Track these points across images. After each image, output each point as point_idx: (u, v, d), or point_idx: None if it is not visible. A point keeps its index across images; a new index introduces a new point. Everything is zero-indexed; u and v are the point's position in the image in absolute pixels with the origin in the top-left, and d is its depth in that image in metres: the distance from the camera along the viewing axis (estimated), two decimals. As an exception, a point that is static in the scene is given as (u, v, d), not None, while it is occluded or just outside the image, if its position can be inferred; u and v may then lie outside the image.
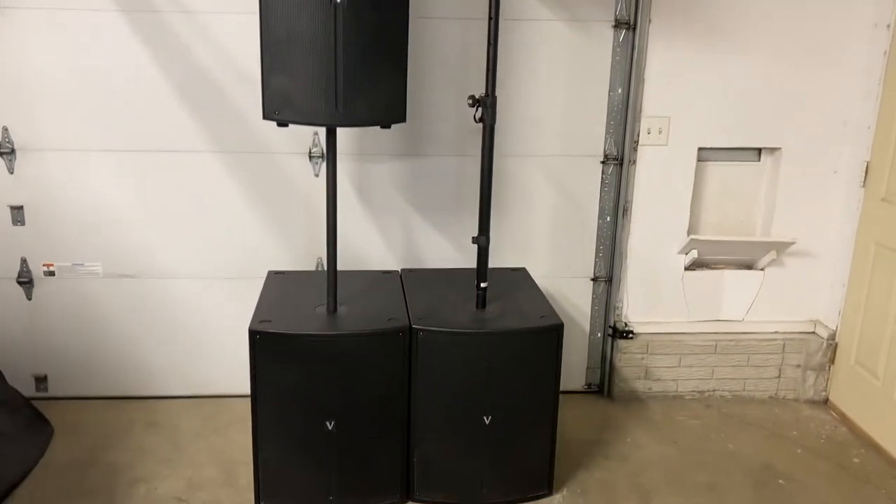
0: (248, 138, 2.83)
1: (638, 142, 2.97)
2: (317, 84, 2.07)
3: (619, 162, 3.02)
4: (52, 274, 2.93)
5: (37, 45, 2.70)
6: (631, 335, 3.17)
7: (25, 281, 2.92)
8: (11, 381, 2.87)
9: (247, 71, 2.74)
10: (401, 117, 2.22)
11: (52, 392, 3.05)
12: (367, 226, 2.99)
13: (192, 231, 2.93)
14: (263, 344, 2.26)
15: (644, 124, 2.96)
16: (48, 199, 2.85)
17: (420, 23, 2.77)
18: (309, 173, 2.91)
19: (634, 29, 2.87)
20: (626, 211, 3.05)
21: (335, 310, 2.42)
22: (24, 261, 2.90)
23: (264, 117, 2.13)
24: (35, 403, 2.90)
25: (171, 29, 2.73)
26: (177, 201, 2.89)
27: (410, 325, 2.33)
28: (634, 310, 3.18)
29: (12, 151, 2.79)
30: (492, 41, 2.28)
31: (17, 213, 2.85)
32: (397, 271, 2.86)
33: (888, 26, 2.80)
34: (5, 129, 2.77)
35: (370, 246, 3.01)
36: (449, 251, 3.04)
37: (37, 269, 2.92)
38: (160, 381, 3.07)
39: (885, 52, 2.82)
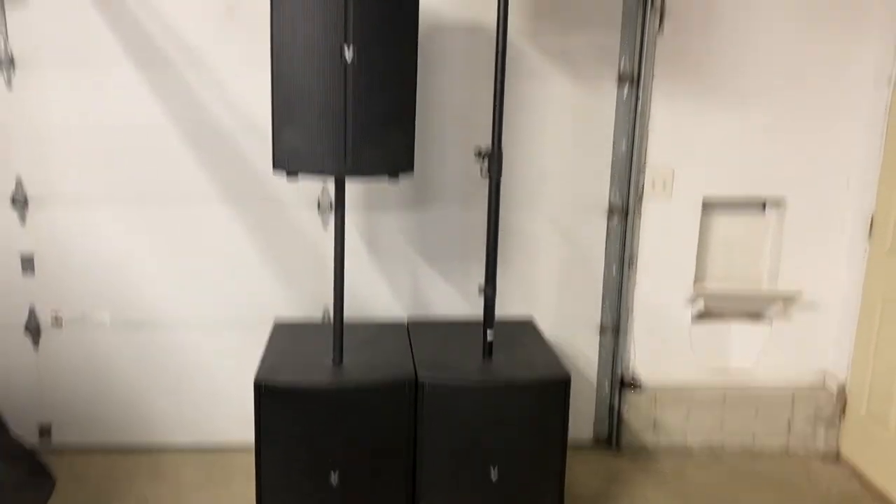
0: (258, 189, 2.87)
1: (643, 194, 3.00)
2: (326, 137, 2.11)
3: (624, 213, 3.04)
4: (59, 323, 2.94)
5: (53, 99, 2.76)
6: (639, 386, 3.15)
7: (33, 330, 2.93)
8: (17, 429, 2.84)
9: (258, 123, 2.80)
10: (408, 169, 2.26)
11: (56, 441, 3.03)
12: (373, 275, 3.01)
13: (200, 281, 2.95)
14: (268, 396, 2.26)
15: (648, 176, 2.99)
16: (58, 249, 2.88)
17: (429, 77, 2.83)
18: (317, 224, 2.94)
19: (638, 84, 2.92)
20: (632, 262, 3.06)
21: (341, 361, 2.42)
22: (32, 310, 2.92)
23: (274, 168, 2.16)
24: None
25: (186, 83, 2.79)
26: (185, 251, 2.92)
27: (416, 376, 2.33)
28: (642, 360, 3.16)
29: (25, 201, 2.83)
30: (498, 97, 2.33)
31: (28, 263, 2.88)
32: (404, 320, 2.87)
33: (889, 81, 2.85)
34: (19, 180, 2.81)
35: (377, 294, 3.02)
36: (455, 300, 3.04)
37: (44, 318, 2.93)
38: (165, 430, 3.06)
39: (887, 107, 2.86)
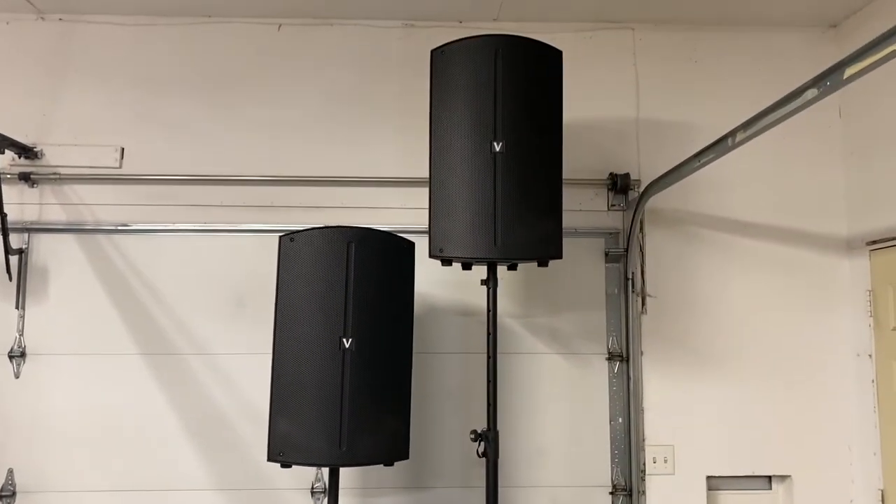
0: (252, 474, 2.83)
1: (645, 471, 2.94)
2: (321, 425, 2.13)
3: (627, 492, 2.96)
4: None
5: (56, 387, 2.83)
6: None
7: None
8: None
9: (258, 412, 2.83)
10: (404, 455, 2.25)
11: None
12: (368, 567, 2.84)
13: (184, 577, 2.78)
14: None
15: (649, 453, 2.96)
16: (39, 545, 2.76)
17: (423, 357, 2.92)
18: (311, 510, 2.85)
19: (628, 361, 3.01)
20: (641, 546, 2.91)
21: None
22: None
23: (269, 459, 2.16)
24: None
25: (188, 370, 2.88)
26: (172, 544, 2.79)
27: None
28: None
29: (13, 494, 2.76)
30: (491, 378, 2.39)
31: (4, 561, 2.73)
32: None
33: (870, 356, 2.94)
34: (10, 472, 2.78)
35: (372, 591, 2.83)
36: None
37: None
38: None
39: (873, 381, 2.92)
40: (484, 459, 2.37)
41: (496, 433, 2.37)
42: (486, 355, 2.42)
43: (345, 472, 2.81)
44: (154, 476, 2.81)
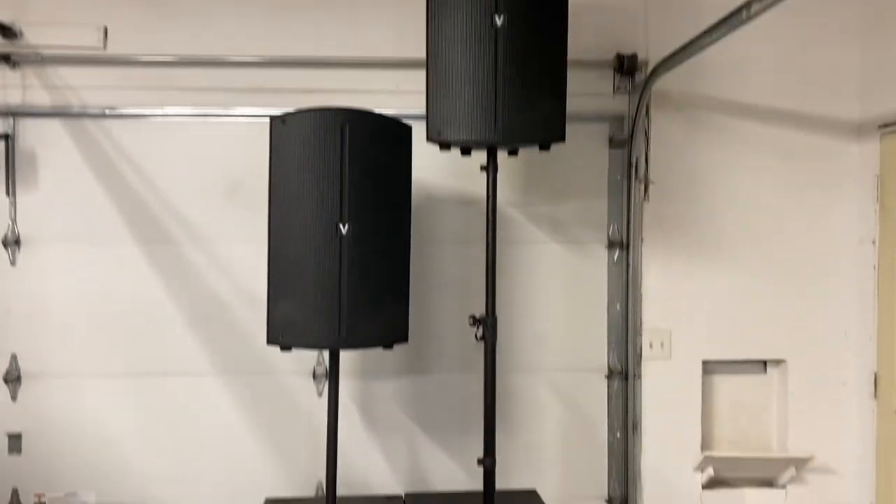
0: (252, 359, 2.86)
1: (641, 356, 2.98)
2: (320, 309, 2.13)
3: (624, 376, 3.00)
4: (42, 505, 2.82)
5: (54, 274, 2.82)
6: (651, 563, 2.96)
7: (14, 514, 2.81)
8: None
9: (255, 295, 2.82)
10: (403, 338, 2.26)
11: None
12: (369, 446, 2.92)
13: (190, 458, 2.86)
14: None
15: (646, 338, 2.98)
16: (47, 427, 2.82)
17: (421, 247, 2.89)
18: (312, 392, 2.90)
19: (628, 248, 2.98)
20: (636, 427, 2.98)
21: (334, 542, 2.30)
22: (15, 492, 2.81)
23: (268, 342, 2.16)
24: None
25: (186, 257, 2.86)
26: (175, 426, 2.85)
27: (414, 559, 2.20)
28: (653, 534, 3.00)
29: (18, 378, 2.80)
30: (489, 265, 2.37)
31: (14, 442, 2.80)
32: (401, 496, 2.75)
33: (873, 242, 2.91)
34: (14, 357, 2.80)
35: (373, 466, 2.91)
36: (455, 472, 2.93)
37: (27, 500, 2.81)
38: None
39: (875, 267, 2.91)
40: (482, 344, 2.39)
41: (495, 318, 2.38)
42: (484, 244, 2.39)
43: (344, 357, 2.84)
44: (154, 361, 2.85)
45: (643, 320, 2.98)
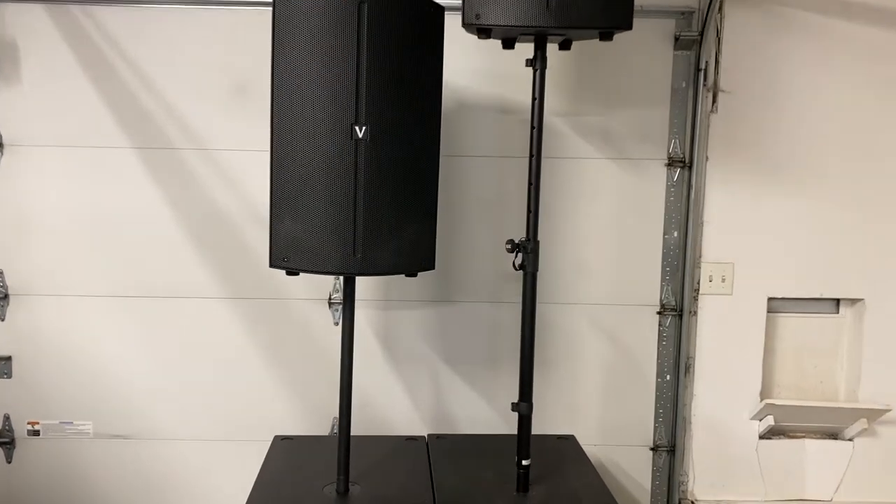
0: (262, 283, 2.56)
1: (699, 290, 2.63)
2: (332, 228, 1.79)
3: (678, 313, 2.66)
4: (36, 433, 2.60)
5: (42, 182, 2.52)
6: (699, 517, 2.68)
7: (6, 441, 2.59)
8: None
9: (263, 209, 2.50)
10: (429, 265, 1.93)
11: (26, 572, 2.64)
12: (391, 382, 2.64)
13: (195, 387, 2.61)
14: (257, 537, 1.87)
15: (705, 271, 2.63)
16: (39, 350, 2.57)
17: (454, 161, 2.55)
18: (328, 321, 2.61)
19: (690, 167, 2.60)
20: (688, 369, 2.66)
21: (346, 490, 2.03)
22: (6, 418, 2.59)
23: (271, 265, 1.85)
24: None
25: (185, 165, 2.54)
26: (179, 353, 2.60)
27: (436, 514, 1.93)
28: (702, 485, 2.71)
29: (5, 297, 2.55)
30: (533, 181, 2.01)
31: (4, 365, 2.57)
32: (424, 437, 2.48)
33: (983, 164, 2.49)
34: (0, 273, 2.54)
35: (395, 405, 2.64)
36: (484, 413, 2.65)
37: (20, 429, 2.60)
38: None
39: (984, 194, 2.49)
40: (519, 273, 2.05)
41: (536, 243, 2.03)
42: (525, 158, 2.03)
43: (365, 283, 2.55)
44: (154, 281, 2.57)
45: (703, 250, 2.62)
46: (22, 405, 2.59)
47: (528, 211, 2.03)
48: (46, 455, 2.61)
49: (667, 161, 2.61)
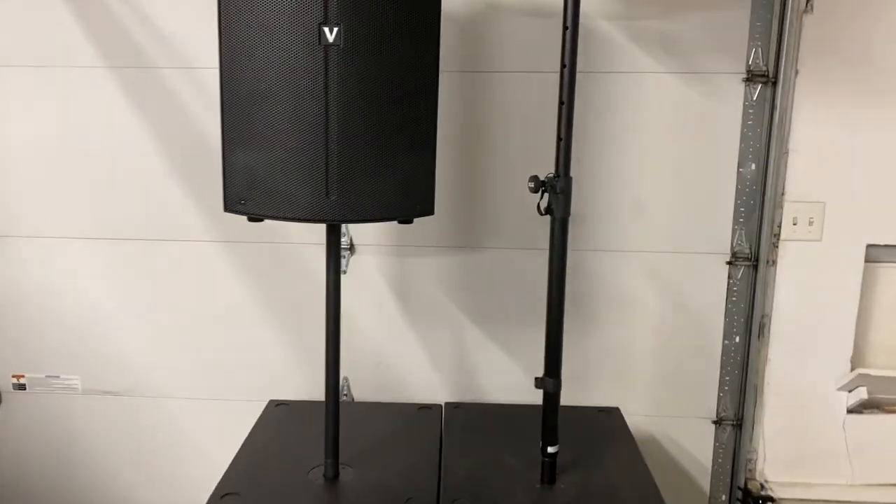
0: (258, 225, 2.20)
1: (779, 235, 2.16)
2: (298, 162, 1.40)
3: (752, 263, 2.20)
4: (22, 387, 2.38)
5: (12, 109, 2.21)
6: (770, 502, 2.27)
7: (-9, 394, 2.39)
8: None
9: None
10: (426, 209, 1.53)
11: (20, 531, 2.47)
12: (407, 340, 2.28)
13: (189, 341, 2.32)
14: (222, 531, 1.57)
15: (788, 212, 2.15)
16: (20, 297, 2.32)
17: (480, 78, 2.11)
18: (335, 270, 2.25)
19: (775, 83, 2.09)
20: (762, 329, 2.21)
21: (335, 474, 1.71)
22: (-10, 370, 2.38)
23: (226, 209, 1.48)
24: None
25: (173, 89, 2.18)
26: (171, 303, 2.30)
27: (438, 511, 1.58)
28: (775, 465, 2.29)
29: (-20, 237, 2.29)
30: (565, 99, 1.56)
31: (-16, 313, 2.33)
32: (440, 406, 2.13)
33: None
34: (-27, 211, 2.28)
35: (411, 367, 2.30)
36: (515, 379, 2.27)
37: (4, 381, 2.38)
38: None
39: None
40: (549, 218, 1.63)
41: (568, 181, 1.60)
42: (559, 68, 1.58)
43: (377, 227, 2.18)
44: (139, 222, 2.26)
45: (787, 186, 2.14)
46: (5, 357, 2.36)
47: (559, 138, 1.60)
48: (34, 410, 2.39)
49: (745, 75, 2.11)
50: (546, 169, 1.64)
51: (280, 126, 1.40)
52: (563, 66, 1.56)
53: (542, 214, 1.61)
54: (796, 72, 2.08)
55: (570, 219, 1.62)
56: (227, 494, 1.62)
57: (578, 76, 1.58)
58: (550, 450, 1.68)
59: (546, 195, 1.60)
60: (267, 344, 2.30)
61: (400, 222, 1.53)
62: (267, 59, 1.37)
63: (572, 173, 1.61)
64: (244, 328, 2.29)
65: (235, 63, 1.40)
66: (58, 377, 2.37)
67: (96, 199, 2.25)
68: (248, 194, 1.44)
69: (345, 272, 2.25)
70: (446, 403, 2.16)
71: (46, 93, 2.19)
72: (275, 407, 2.08)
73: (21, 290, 2.31)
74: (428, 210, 1.51)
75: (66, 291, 2.31)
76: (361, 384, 2.29)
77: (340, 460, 1.73)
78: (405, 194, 1.47)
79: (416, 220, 1.48)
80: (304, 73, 1.37)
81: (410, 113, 1.45)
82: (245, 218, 1.51)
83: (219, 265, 2.27)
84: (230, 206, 1.47)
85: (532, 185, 1.58)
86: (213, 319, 2.30)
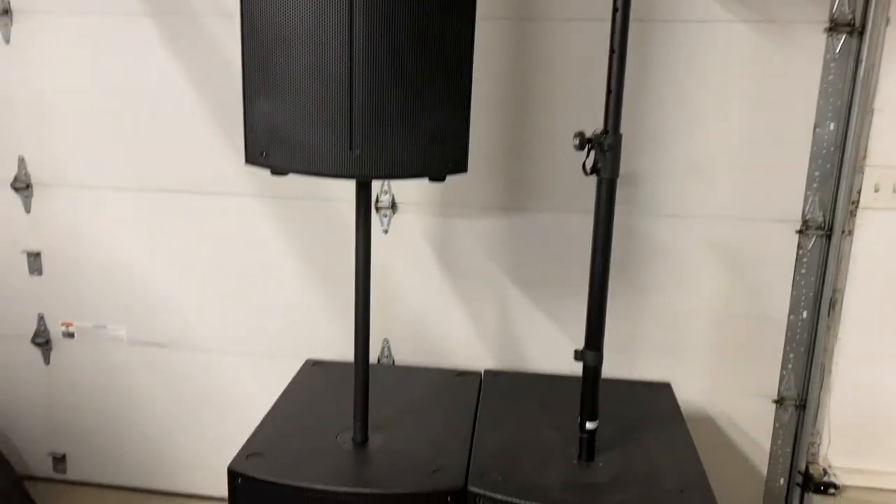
0: (297, 181, 2.14)
1: (858, 203, 1.97)
2: (320, 113, 1.32)
3: (826, 232, 2.01)
4: (71, 336, 2.41)
5: (56, 57, 2.19)
6: (833, 489, 2.12)
7: (42, 342, 2.42)
8: (27, 458, 2.42)
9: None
10: (459, 166, 1.42)
11: (72, 475, 2.52)
12: (449, 304, 2.20)
13: (233, 296, 2.29)
14: (246, 492, 1.54)
15: (870, 177, 1.96)
16: (68, 246, 2.34)
17: (524, 26, 1.97)
18: (376, 229, 2.18)
19: (861, 34, 1.88)
20: (833, 305, 2.03)
21: (364, 440, 1.65)
22: (41, 318, 2.41)
23: (247, 161, 1.41)
24: (53, 487, 2.43)
25: (217, 40, 2.12)
26: (214, 257, 2.27)
27: (466, 483, 1.51)
28: (839, 449, 2.14)
29: (28, 187, 2.30)
30: (616, 48, 1.42)
31: (34, 261, 2.36)
32: (479, 373, 2.05)
33: None
34: (21, 160, 2.28)
35: (452, 331, 2.21)
36: (558, 347, 2.16)
37: (55, 329, 2.42)
38: (188, 475, 2.46)
39: None
40: (595, 179, 1.50)
41: (617, 138, 1.46)
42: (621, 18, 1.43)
43: (419, 186, 2.09)
44: (182, 174, 2.23)
45: (870, 150, 1.94)
46: (55, 305, 2.39)
47: (609, 90, 1.46)
48: (82, 358, 2.42)
49: (828, 24, 1.90)
50: (598, 124, 1.50)
51: (302, 74, 1.31)
52: (614, 9, 1.41)
53: (587, 174, 1.48)
54: (887, 20, 1.86)
55: (625, 179, 1.49)
56: (251, 455, 1.58)
57: (638, 25, 1.44)
58: (589, 426, 1.58)
59: (592, 153, 1.47)
60: (307, 302, 2.25)
61: (431, 180, 1.43)
62: (286, 12, 1.28)
63: (628, 130, 1.47)
64: (286, 286, 2.25)
65: (256, 7, 1.31)
66: (105, 327, 2.39)
67: (141, 151, 2.23)
68: (269, 146, 1.36)
69: (386, 231, 2.18)
70: (486, 371, 2.08)
71: (89, 42, 2.16)
72: (311, 366, 2.04)
73: (68, 239, 2.33)
74: (461, 168, 1.41)
75: (110, 242, 2.31)
76: (402, 347, 2.23)
77: (372, 424, 1.68)
78: (435, 150, 1.37)
79: (461, 179, 1.37)
80: (327, 18, 1.27)
81: (443, 62, 1.34)
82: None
83: (261, 221, 2.23)
84: (251, 157, 1.40)
85: (577, 141, 1.45)
86: (256, 276, 2.26)
